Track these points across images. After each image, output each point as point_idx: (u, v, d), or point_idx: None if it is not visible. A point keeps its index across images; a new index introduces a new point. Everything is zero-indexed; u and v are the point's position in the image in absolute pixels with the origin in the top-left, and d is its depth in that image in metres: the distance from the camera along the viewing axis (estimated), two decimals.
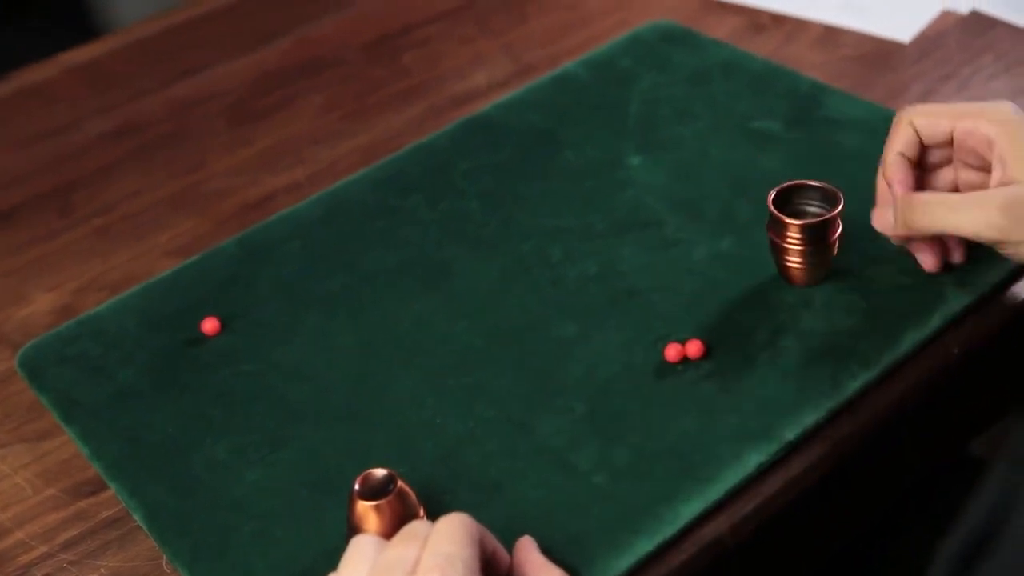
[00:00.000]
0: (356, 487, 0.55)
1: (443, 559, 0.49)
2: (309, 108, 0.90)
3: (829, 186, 0.67)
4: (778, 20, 0.92)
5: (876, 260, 0.68)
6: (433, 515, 0.57)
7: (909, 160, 0.65)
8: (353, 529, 0.55)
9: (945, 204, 0.62)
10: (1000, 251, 0.62)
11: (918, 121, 0.65)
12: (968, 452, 0.78)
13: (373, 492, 0.55)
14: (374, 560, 0.51)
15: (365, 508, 0.55)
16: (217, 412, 0.65)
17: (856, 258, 0.68)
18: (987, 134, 0.63)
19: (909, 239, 0.66)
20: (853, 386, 0.62)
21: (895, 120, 0.66)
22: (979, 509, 0.40)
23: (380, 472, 0.56)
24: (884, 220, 0.66)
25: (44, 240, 0.80)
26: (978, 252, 0.67)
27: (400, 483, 0.55)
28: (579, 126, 0.82)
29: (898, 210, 0.64)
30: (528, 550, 0.54)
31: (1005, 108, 0.64)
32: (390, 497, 0.55)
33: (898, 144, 0.65)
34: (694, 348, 0.64)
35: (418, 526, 0.52)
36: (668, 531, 0.57)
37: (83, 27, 1.47)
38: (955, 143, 0.65)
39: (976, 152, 0.64)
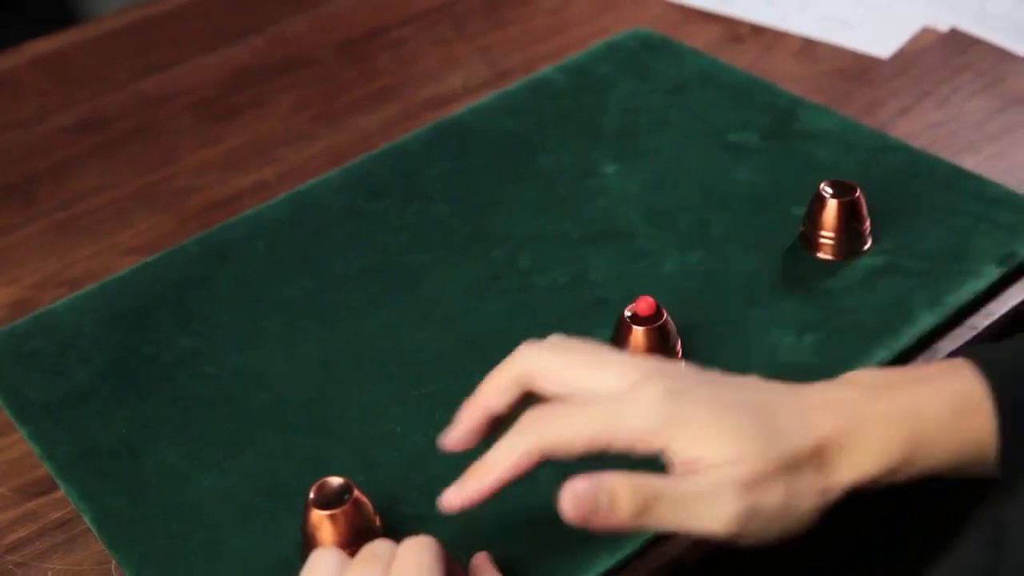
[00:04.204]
0: (311, 495, 0.54)
1: None
2: (280, 108, 0.89)
3: None
4: (757, 31, 0.91)
5: (836, 274, 0.67)
6: (391, 526, 0.56)
7: None
8: (308, 538, 0.54)
9: (676, 497, 0.49)
10: (736, 545, 0.50)
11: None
12: None
13: (328, 501, 0.54)
14: None
15: (320, 517, 0.53)
16: (173, 416, 0.63)
17: (822, 272, 0.68)
18: None
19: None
20: None
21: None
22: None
23: (336, 481, 0.54)
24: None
25: (3, 233, 0.78)
26: (945, 267, 0.66)
27: (356, 492, 0.54)
28: (554, 132, 0.81)
29: (618, 494, 0.48)
30: (487, 571, 0.53)
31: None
32: (345, 507, 0.53)
33: None
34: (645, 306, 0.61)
35: (381, 546, 0.51)
36: (629, 548, 0.56)
37: (56, 17, 1.45)
38: None
39: None
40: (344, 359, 0.66)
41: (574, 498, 0.48)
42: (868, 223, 0.68)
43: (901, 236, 0.70)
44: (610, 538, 0.55)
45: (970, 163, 0.75)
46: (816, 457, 0.50)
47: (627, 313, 0.62)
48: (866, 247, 0.69)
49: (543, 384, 0.53)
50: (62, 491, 0.61)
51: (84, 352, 0.67)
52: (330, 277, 0.71)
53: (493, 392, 0.54)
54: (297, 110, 0.88)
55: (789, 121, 0.80)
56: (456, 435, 0.54)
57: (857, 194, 0.67)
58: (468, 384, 0.63)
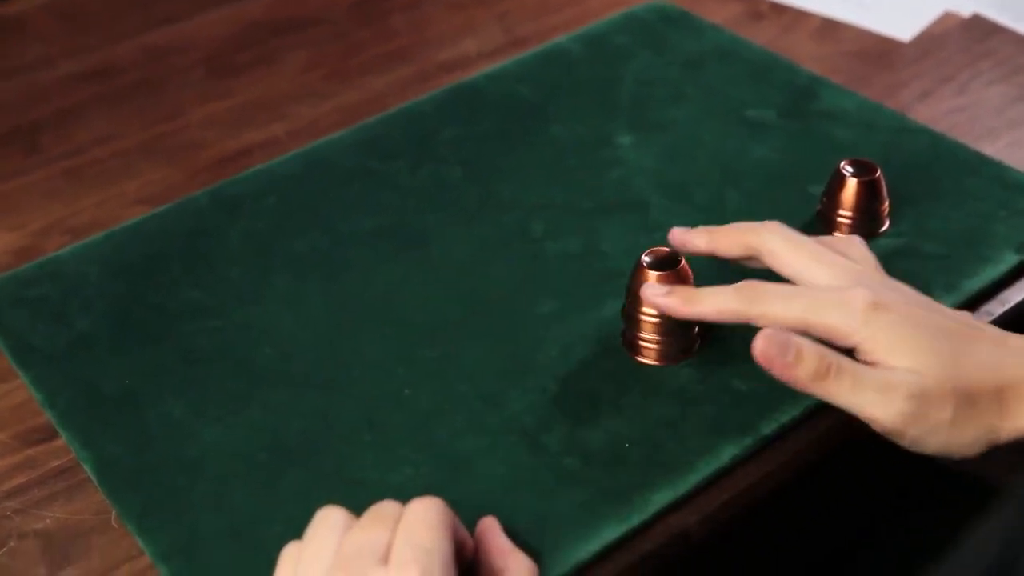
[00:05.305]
0: (645, 259, 0.60)
1: (422, 552, 0.47)
2: (292, 65, 0.88)
3: None
4: (778, 9, 0.90)
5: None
6: (394, 488, 0.55)
7: None
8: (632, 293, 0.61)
9: (854, 377, 0.53)
10: (894, 440, 0.54)
11: None
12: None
13: (660, 263, 0.60)
14: (341, 538, 0.49)
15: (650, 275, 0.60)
16: (178, 367, 0.62)
17: None
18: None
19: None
20: None
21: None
22: (991, 537, 0.38)
23: (665, 250, 0.61)
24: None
25: (8, 178, 0.77)
26: (963, 252, 0.66)
27: (683, 263, 0.60)
28: (568, 101, 0.80)
29: (808, 352, 0.53)
30: (494, 535, 0.52)
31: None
32: (677, 269, 0.60)
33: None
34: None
35: (388, 506, 0.50)
36: (636, 519, 0.55)
37: None
38: None
39: None
40: (350, 318, 0.65)
41: (766, 339, 0.53)
42: (887, 204, 0.68)
43: (919, 219, 0.69)
44: (616, 508, 0.55)
45: (989, 149, 0.75)
46: (996, 396, 0.53)
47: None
48: (884, 228, 0.68)
49: (769, 261, 0.59)
50: (63, 439, 0.60)
51: (89, 300, 0.66)
52: (339, 235, 0.70)
53: (729, 242, 0.61)
54: (309, 68, 0.87)
55: (808, 100, 0.79)
56: (681, 236, 0.62)
57: (878, 174, 0.66)
58: (475, 347, 0.63)
